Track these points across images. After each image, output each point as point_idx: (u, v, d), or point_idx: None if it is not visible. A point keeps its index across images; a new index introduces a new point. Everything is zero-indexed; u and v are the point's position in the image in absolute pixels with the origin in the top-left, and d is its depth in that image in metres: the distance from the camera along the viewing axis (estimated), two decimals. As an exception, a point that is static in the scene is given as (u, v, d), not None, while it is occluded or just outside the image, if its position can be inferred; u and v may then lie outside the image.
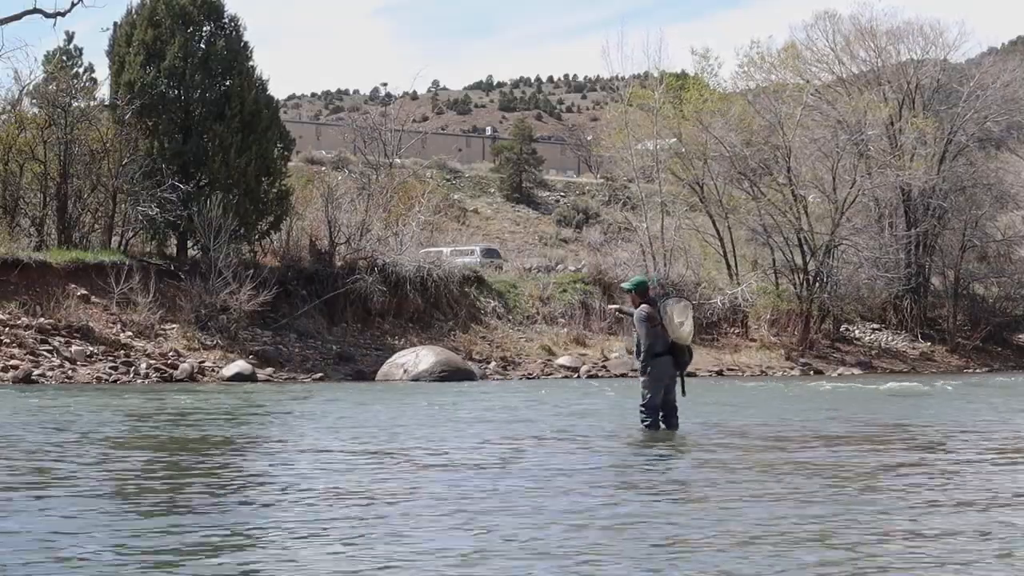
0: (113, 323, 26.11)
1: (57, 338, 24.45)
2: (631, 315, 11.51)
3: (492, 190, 60.05)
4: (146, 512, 6.35)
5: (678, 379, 11.37)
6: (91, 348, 24.55)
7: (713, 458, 9.34)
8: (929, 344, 40.36)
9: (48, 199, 29.27)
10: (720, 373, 32.39)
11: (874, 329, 40.83)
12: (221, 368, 25.26)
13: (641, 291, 11.40)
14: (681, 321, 11.05)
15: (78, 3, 28.90)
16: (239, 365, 25.18)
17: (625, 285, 11.90)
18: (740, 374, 32.60)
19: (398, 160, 50.07)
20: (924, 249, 41.62)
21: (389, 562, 5.05)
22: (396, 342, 29.81)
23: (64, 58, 40.11)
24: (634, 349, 11.56)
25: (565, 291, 36.38)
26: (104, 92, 32.22)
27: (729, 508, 6.58)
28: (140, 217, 28.88)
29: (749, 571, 4.90)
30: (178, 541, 5.42)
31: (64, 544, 5.37)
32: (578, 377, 29.81)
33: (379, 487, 7.44)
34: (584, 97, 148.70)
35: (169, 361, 25.12)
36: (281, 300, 29.12)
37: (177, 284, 27.67)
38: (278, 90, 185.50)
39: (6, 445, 9.89)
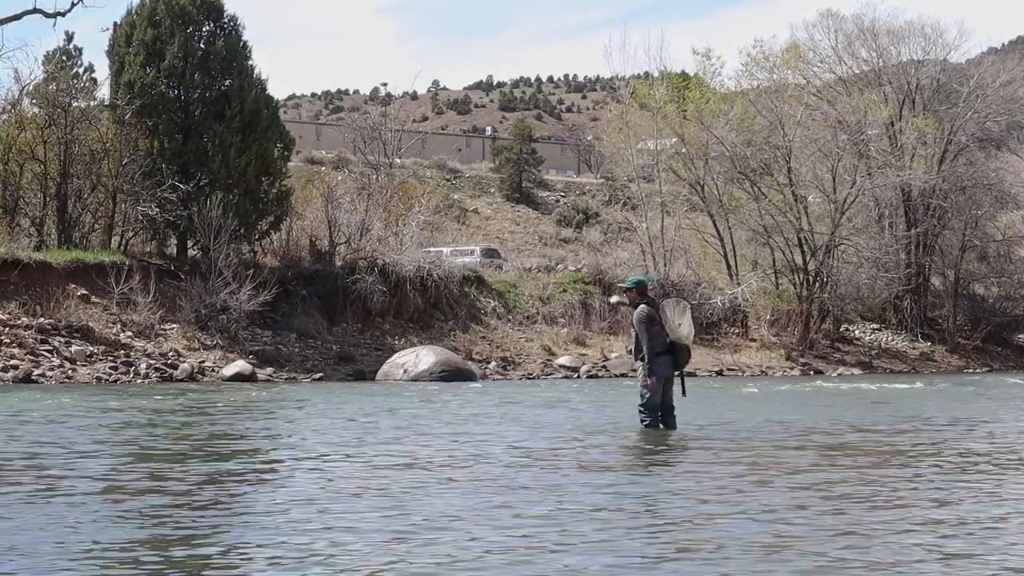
0: (113, 323, 26.11)
1: (57, 338, 24.44)
2: (627, 305, 11.55)
3: (492, 190, 60.00)
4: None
5: (677, 379, 11.37)
6: (91, 348, 24.55)
7: (710, 458, 9.34)
8: (929, 344, 40.37)
9: (48, 199, 29.26)
10: (720, 373, 32.38)
11: (874, 329, 40.84)
12: (221, 368, 25.26)
13: (640, 290, 11.40)
14: (680, 322, 11.06)
15: (78, 3, 28.91)
16: (239, 365, 25.19)
17: (623, 284, 11.91)
18: (740, 374, 32.58)
19: (398, 160, 50.06)
20: (924, 249, 41.63)
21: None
22: (396, 342, 29.81)
23: (64, 58, 40.17)
24: (633, 349, 11.53)
25: (565, 291, 36.38)
26: (104, 92, 32.32)
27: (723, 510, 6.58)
28: (140, 217, 28.89)
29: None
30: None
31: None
32: (578, 377, 29.81)
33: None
34: (584, 97, 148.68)
35: (169, 361, 25.12)
36: (281, 300, 29.13)
37: (177, 284, 27.67)
38: (278, 90, 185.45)
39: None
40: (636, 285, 11.48)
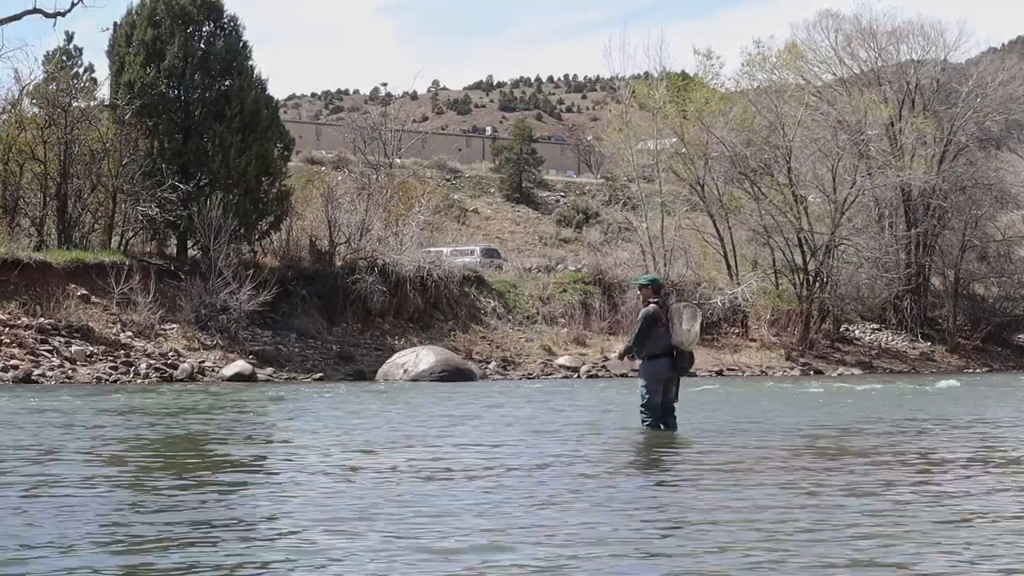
0: (113, 323, 26.11)
1: (57, 338, 24.45)
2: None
3: (492, 190, 60.00)
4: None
5: (676, 382, 11.38)
6: (91, 348, 24.56)
7: (710, 458, 9.34)
8: (929, 344, 40.38)
9: (48, 199, 29.26)
10: (720, 373, 32.37)
11: (874, 329, 40.85)
12: (221, 368, 25.26)
13: (655, 288, 11.46)
14: (688, 328, 11.07)
15: (78, 3, 28.90)
16: (239, 365, 25.19)
17: (639, 280, 11.96)
18: (740, 374, 32.58)
19: (398, 160, 50.07)
20: (924, 249, 41.64)
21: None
22: (396, 342, 29.82)
23: (64, 58, 40.15)
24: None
25: (565, 291, 36.38)
26: (104, 92, 32.33)
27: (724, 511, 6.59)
28: (140, 217, 28.91)
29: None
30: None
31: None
32: (578, 377, 29.82)
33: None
34: (584, 97, 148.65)
35: (169, 361, 25.13)
36: (281, 300, 29.13)
37: (177, 284, 27.68)
38: (278, 90, 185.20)
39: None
40: (651, 283, 11.55)
